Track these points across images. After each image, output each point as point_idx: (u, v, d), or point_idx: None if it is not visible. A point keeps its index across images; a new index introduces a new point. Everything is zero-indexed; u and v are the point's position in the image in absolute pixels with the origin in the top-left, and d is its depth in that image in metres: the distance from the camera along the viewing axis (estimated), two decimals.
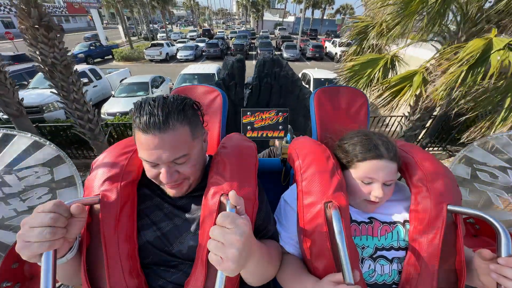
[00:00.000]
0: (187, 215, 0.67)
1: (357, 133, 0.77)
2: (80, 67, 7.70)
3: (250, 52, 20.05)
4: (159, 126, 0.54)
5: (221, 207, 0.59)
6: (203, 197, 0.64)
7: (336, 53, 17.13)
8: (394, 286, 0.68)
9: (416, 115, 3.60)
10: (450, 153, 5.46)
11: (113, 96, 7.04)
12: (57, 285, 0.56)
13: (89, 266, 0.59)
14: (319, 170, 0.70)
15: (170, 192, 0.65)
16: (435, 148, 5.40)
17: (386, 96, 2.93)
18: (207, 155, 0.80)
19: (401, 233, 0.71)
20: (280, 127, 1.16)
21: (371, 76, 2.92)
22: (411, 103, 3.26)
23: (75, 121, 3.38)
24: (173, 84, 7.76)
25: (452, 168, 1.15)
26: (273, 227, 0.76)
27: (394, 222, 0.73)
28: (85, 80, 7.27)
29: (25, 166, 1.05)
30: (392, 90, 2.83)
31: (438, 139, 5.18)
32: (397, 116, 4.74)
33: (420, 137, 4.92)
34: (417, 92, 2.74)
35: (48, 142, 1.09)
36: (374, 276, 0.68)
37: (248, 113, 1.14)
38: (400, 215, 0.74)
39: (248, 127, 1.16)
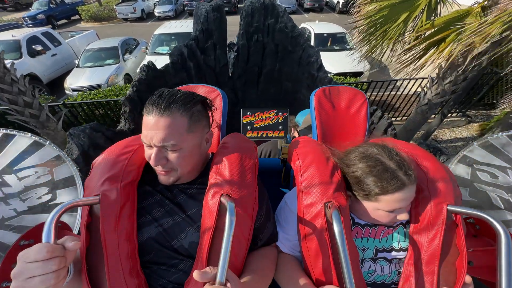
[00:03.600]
0: (187, 212, 0.68)
1: (362, 155, 0.68)
2: (28, 31, 6.29)
3: (239, 5, 17.39)
4: (159, 110, 0.61)
5: (221, 207, 0.60)
6: (204, 197, 0.65)
7: (338, 2, 14.99)
8: (393, 286, 0.68)
9: (450, 76, 2.83)
10: (470, 118, 4.83)
11: (77, 67, 5.90)
12: None
13: (89, 266, 0.58)
14: (319, 170, 0.69)
15: (160, 178, 0.68)
16: (454, 114, 4.74)
17: (419, 51, 2.12)
18: (209, 152, 0.84)
19: (402, 234, 0.71)
20: (280, 127, 1.15)
21: (407, 24, 2.04)
22: (449, 59, 2.45)
23: (9, 107, 2.56)
24: (146, 49, 6.48)
25: (452, 168, 1.14)
26: (272, 225, 0.77)
27: (398, 224, 0.72)
28: (39, 47, 5.98)
29: (25, 166, 1.04)
30: (430, 41, 2.00)
31: (458, 103, 4.47)
32: (418, 79, 3.96)
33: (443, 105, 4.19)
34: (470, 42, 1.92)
35: (48, 142, 1.08)
36: (373, 276, 0.69)
37: (248, 113, 1.15)
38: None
39: (248, 127, 1.16)
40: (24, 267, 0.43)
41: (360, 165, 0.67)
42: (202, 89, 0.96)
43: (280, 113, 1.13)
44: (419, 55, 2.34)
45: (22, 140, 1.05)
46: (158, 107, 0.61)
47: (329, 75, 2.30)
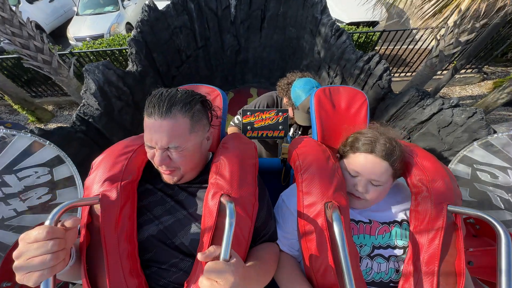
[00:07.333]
0: (188, 210, 0.69)
1: (374, 130, 0.75)
2: None
3: None
4: (161, 113, 0.60)
5: (221, 208, 0.61)
6: (204, 196, 0.66)
7: None
8: (392, 284, 0.69)
9: (465, 25, 2.64)
10: (485, 75, 4.58)
11: (77, 14, 5.69)
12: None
13: (89, 266, 0.59)
14: (319, 170, 0.70)
15: (164, 177, 0.70)
16: (468, 71, 4.49)
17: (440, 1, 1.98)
18: (210, 152, 0.84)
19: (399, 232, 0.72)
20: (280, 127, 1.14)
21: None
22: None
23: (21, 52, 2.67)
24: None
25: (452, 168, 1.14)
26: (273, 224, 0.78)
27: (393, 222, 0.73)
28: None
29: (25, 166, 1.04)
30: None
31: (475, 58, 4.18)
32: (435, 28, 3.65)
33: (456, 57, 3.97)
34: None
35: (48, 142, 1.08)
36: (371, 274, 0.69)
37: (248, 113, 1.14)
38: (399, 215, 0.75)
39: (248, 127, 1.15)
40: (25, 247, 0.43)
41: (367, 134, 0.74)
42: (202, 89, 0.95)
43: (280, 113, 1.13)
44: (440, 4, 2.17)
45: (22, 140, 1.04)
46: (160, 110, 0.59)
47: (338, 23, 2.22)
